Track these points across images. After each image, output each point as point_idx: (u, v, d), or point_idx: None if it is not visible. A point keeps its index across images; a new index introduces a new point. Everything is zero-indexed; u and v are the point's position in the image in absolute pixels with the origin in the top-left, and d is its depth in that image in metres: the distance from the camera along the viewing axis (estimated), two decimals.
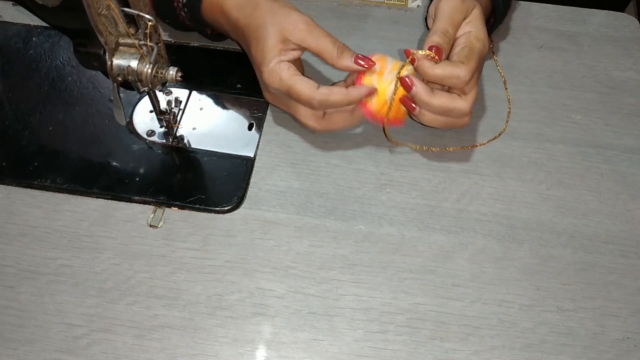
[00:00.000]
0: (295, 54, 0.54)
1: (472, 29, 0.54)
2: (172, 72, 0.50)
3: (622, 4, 1.01)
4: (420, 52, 0.52)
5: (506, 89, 0.63)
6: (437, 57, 0.52)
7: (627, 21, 0.70)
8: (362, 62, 0.52)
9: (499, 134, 0.59)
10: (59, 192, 0.55)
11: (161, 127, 0.58)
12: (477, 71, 0.54)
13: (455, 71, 0.51)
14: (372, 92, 0.52)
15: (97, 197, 0.54)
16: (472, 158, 0.58)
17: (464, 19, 0.55)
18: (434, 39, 0.53)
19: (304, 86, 0.51)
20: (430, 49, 0.52)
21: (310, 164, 0.57)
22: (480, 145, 0.58)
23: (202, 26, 0.60)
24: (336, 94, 0.52)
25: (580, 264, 0.52)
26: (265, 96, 0.57)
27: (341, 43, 0.53)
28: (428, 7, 0.61)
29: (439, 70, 0.51)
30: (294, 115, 0.55)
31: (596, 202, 0.56)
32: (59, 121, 0.59)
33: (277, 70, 0.52)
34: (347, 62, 0.52)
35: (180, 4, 0.59)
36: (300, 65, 0.56)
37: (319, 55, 0.53)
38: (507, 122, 0.60)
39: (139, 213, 0.54)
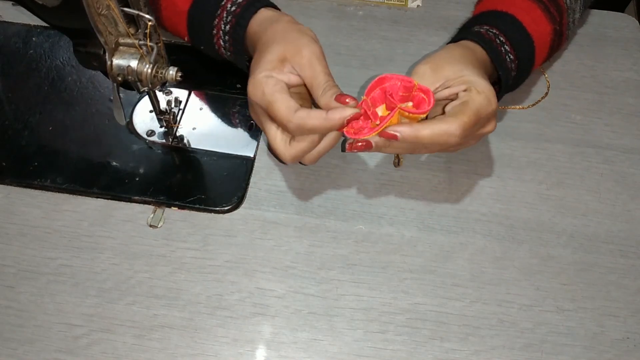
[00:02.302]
0: (292, 78, 0.50)
1: (473, 84, 0.49)
2: (172, 72, 0.50)
3: (622, 4, 1.01)
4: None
5: None
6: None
7: (627, 21, 0.70)
8: (344, 99, 0.48)
9: None
10: (59, 192, 0.55)
11: (161, 127, 0.58)
12: (474, 127, 0.49)
13: (443, 127, 0.47)
14: (356, 116, 0.48)
15: (97, 197, 0.54)
16: (472, 158, 0.58)
17: (434, 87, 0.50)
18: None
19: (283, 105, 0.47)
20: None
21: None
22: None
23: (242, 56, 0.55)
24: (314, 118, 0.47)
25: (580, 264, 0.52)
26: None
27: (333, 82, 0.49)
28: None
29: (426, 131, 0.47)
30: (267, 136, 0.51)
31: (596, 202, 0.56)
32: (59, 121, 0.59)
33: (262, 82, 0.48)
34: (327, 99, 0.48)
35: (221, 33, 0.55)
36: (304, 99, 0.52)
37: (310, 90, 0.50)
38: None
39: (138, 213, 0.54)
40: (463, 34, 0.56)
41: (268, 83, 0.48)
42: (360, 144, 0.49)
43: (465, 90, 0.49)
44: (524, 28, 0.55)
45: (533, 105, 0.62)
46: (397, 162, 0.56)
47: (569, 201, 0.56)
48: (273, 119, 0.49)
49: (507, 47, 0.54)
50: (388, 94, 0.48)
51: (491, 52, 0.53)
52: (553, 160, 0.58)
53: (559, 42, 0.59)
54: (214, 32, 0.55)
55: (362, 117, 0.50)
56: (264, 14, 0.54)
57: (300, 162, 0.52)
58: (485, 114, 0.49)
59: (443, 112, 0.50)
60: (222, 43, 0.56)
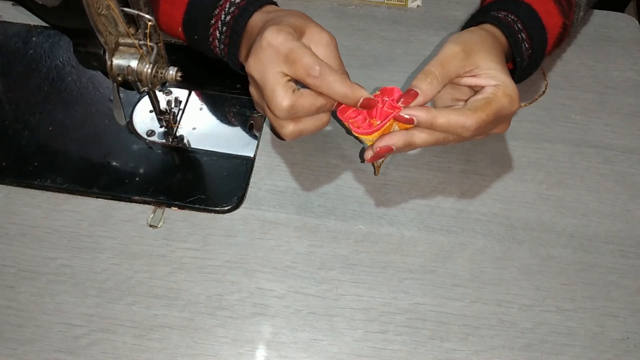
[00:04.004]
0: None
1: (503, 84, 0.49)
2: (172, 72, 0.50)
3: (622, 4, 1.01)
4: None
5: None
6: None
7: (627, 21, 0.70)
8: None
9: None
10: (59, 192, 0.55)
11: (161, 127, 0.58)
12: (489, 125, 0.50)
13: (460, 119, 0.48)
14: (373, 103, 0.49)
15: (97, 197, 0.55)
16: (472, 158, 0.58)
17: (463, 71, 0.50)
18: (414, 82, 0.49)
19: (309, 52, 0.48)
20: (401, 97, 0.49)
21: (310, 164, 0.57)
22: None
23: (236, 49, 0.55)
24: (338, 77, 0.48)
25: (580, 264, 0.52)
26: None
27: (345, 70, 0.51)
28: None
29: (442, 120, 0.48)
30: (266, 84, 0.49)
31: (596, 202, 0.56)
32: (59, 121, 0.59)
33: (286, 30, 0.48)
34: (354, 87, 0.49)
35: (220, 23, 0.54)
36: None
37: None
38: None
39: (138, 213, 0.54)
40: (482, 16, 0.55)
41: (293, 32, 0.48)
42: (379, 148, 0.50)
43: (493, 86, 0.49)
44: (540, 18, 0.55)
45: (531, 102, 0.62)
46: (376, 171, 0.56)
47: (569, 201, 0.56)
48: (294, 61, 0.48)
49: (523, 35, 0.54)
50: (390, 99, 0.51)
51: (511, 38, 0.53)
52: (553, 160, 0.58)
53: (563, 37, 0.58)
54: (212, 21, 0.55)
55: (364, 114, 0.51)
56: (271, 7, 0.54)
57: (277, 136, 0.53)
58: (504, 115, 0.50)
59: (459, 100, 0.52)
60: (217, 34, 0.55)
